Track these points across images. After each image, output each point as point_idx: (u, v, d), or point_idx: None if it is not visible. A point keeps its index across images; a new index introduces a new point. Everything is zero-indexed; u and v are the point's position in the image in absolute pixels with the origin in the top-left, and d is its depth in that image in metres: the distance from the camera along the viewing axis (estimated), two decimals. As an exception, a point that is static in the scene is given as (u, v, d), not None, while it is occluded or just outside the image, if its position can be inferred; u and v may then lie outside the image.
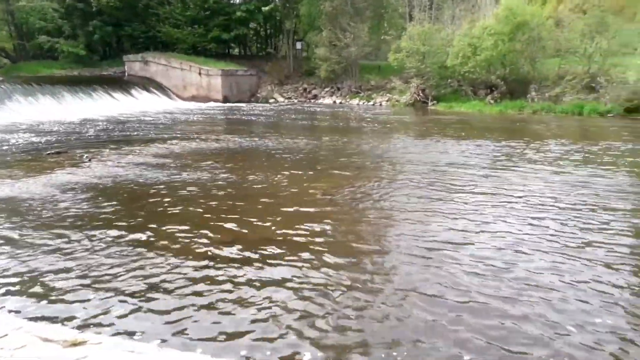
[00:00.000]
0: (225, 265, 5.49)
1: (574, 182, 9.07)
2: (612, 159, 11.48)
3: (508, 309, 4.28)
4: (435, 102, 30.10)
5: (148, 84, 35.23)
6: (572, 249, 5.66)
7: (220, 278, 5.15)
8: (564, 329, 3.97)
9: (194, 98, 35.72)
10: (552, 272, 5.03)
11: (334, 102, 35.57)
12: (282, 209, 7.70)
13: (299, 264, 5.52)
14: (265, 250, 5.94)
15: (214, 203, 8.09)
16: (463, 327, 4.00)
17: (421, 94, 30.82)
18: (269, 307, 4.51)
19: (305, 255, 5.78)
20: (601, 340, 3.83)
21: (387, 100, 33.45)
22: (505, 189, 8.60)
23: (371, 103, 33.83)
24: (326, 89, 37.67)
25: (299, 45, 42.62)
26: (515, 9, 27.40)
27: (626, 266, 5.19)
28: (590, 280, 4.83)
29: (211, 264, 5.51)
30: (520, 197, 7.99)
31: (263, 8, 39.36)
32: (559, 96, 25.61)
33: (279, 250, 5.93)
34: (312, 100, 36.89)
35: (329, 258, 5.66)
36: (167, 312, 4.42)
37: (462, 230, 6.33)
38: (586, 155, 12.16)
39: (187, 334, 4.08)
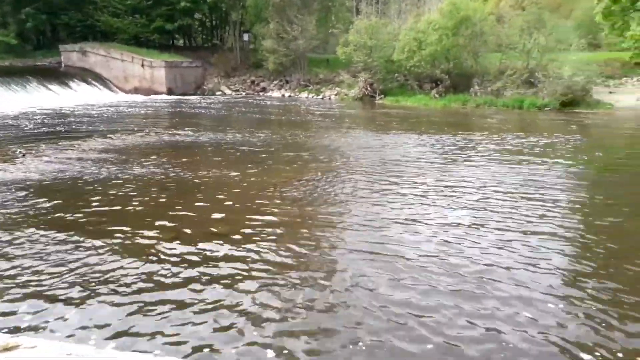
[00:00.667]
0: (167, 263, 5.30)
1: (515, 172, 9.33)
2: (547, 151, 11.94)
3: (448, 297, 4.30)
4: (382, 96, 30.38)
5: (87, 75, 33.54)
6: (509, 232, 5.78)
7: (162, 276, 4.95)
8: (493, 305, 4.02)
9: (136, 90, 34.34)
10: (489, 259, 5.09)
11: (283, 95, 35.24)
12: (230, 204, 7.52)
13: (245, 260, 5.38)
14: (211, 246, 5.77)
15: (156, 199, 7.82)
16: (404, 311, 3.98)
17: (369, 88, 31.03)
18: (212, 306, 4.37)
19: (252, 250, 5.65)
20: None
21: (336, 94, 33.47)
22: (450, 180, 8.74)
23: (320, 97, 33.75)
24: (275, 82, 37.24)
25: (246, 37, 41.83)
26: (459, 4, 27.99)
27: (561, 252, 5.34)
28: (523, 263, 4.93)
29: (153, 262, 5.32)
30: (464, 187, 8.12)
31: (208, -2, 38.26)
32: (500, 90, 26.48)
33: (224, 246, 5.77)
34: (261, 93, 36.38)
35: (276, 253, 5.56)
36: (106, 313, 4.24)
37: (408, 220, 6.34)
38: (524, 147, 12.58)
39: (127, 335, 3.93)
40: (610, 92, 26.65)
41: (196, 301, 4.47)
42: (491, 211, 7.06)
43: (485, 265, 5.19)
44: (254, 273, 5.05)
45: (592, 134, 16.47)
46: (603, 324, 4.03)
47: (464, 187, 8.45)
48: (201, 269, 5.15)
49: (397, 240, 5.93)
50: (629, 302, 4.38)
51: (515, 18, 30.18)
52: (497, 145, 13.04)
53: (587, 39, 29.22)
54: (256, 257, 5.47)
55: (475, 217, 6.80)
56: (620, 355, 3.64)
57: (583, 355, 3.62)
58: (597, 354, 3.65)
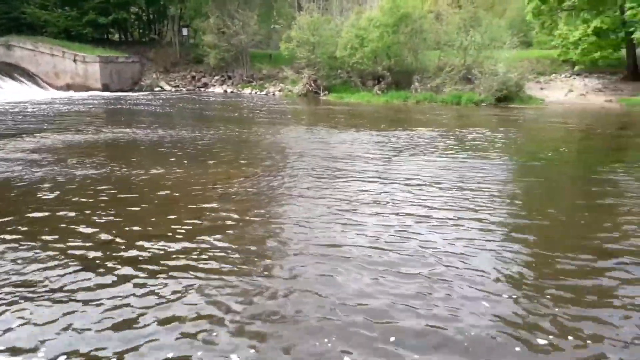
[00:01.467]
0: (102, 269, 5.01)
1: (454, 165, 9.55)
2: (484, 144, 12.34)
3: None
4: (326, 92, 30.46)
5: (13, 70, 31.41)
6: (449, 223, 5.88)
7: (97, 284, 4.68)
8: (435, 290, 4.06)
9: (69, 87, 32.57)
10: (433, 250, 5.15)
11: (225, 91, 34.58)
12: (169, 204, 7.24)
13: (185, 262, 5.17)
14: (150, 250, 5.50)
15: (91, 201, 7.41)
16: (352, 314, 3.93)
17: (313, 85, 31.01)
18: (151, 312, 4.15)
19: (192, 252, 5.44)
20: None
21: (279, 90, 33.23)
22: (394, 175, 8.81)
23: (264, 92, 33.39)
24: (216, 77, 36.48)
25: (185, 32, 40.64)
26: (399, 2, 28.47)
27: (497, 241, 5.48)
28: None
29: (87, 268, 5.02)
30: (408, 181, 8.20)
31: (143, -10, 36.87)
32: (439, 87, 27.20)
33: (163, 248, 5.53)
34: (202, 89, 35.52)
35: (216, 254, 5.36)
36: (37, 323, 4.00)
37: (351, 216, 6.31)
38: (463, 141, 12.94)
39: (59, 345, 3.70)
40: (542, 88, 28.04)
41: (132, 305, 4.27)
42: (431, 204, 7.15)
43: (430, 256, 5.23)
44: (193, 275, 4.85)
45: (525, 127, 17.21)
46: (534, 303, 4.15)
47: (408, 181, 8.54)
48: (138, 273, 4.91)
49: (341, 238, 5.86)
50: (554, 284, 4.53)
51: (453, 16, 31.09)
52: (438, 140, 13.33)
53: (519, 37, 30.56)
54: (195, 259, 5.26)
55: (417, 209, 6.87)
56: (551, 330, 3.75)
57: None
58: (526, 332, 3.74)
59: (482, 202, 7.40)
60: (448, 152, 11.64)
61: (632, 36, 24.57)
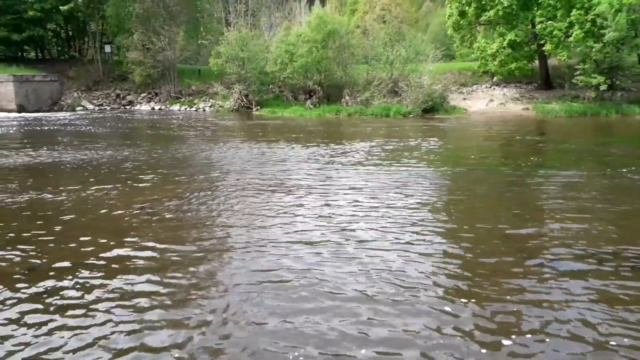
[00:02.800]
0: (21, 300, 4.64)
1: (387, 175, 9.63)
2: (414, 154, 12.62)
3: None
4: (259, 107, 30.26)
5: None
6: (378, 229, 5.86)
7: (16, 315, 4.33)
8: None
9: (-23, 109, 30.27)
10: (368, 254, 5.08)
11: (153, 108, 33.48)
12: (94, 228, 6.81)
13: (112, 289, 4.85)
14: (72, 276, 5.15)
15: (9, 227, 6.89)
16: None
17: (244, 100, 30.73)
18: (75, 343, 3.82)
19: (120, 278, 5.10)
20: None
21: (210, 106, 32.63)
22: (328, 186, 8.73)
23: (194, 109, 32.66)
24: (143, 95, 35.27)
25: (107, 49, 39.07)
26: (325, 18, 28.94)
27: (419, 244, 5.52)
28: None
29: (4, 300, 4.64)
30: (344, 193, 8.16)
31: (61, 7, 35.03)
32: (369, 100, 27.80)
33: (89, 275, 5.20)
34: (128, 107, 34.21)
35: (144, 280, 5.04)
36: None
37: (287, 234, 6.11)
38: (394, 151, 13.16)
39: None
40: (464, 99, 29.35)
41: (58, 337, 3.95)
42: (367, 214, 7.13)
43: (366, 271, 5.15)
44: (119, 305, 4.49)
45: (451, 136, 17.86)
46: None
47: (344, 193, 8.50)
48: (61, 302, 4.57)
49: (274, 260, 5.65)
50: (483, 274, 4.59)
51: (378, 31, 32.02)
52: (370, 151, 13.48)
53: (442, 50, 32.00)
54: (122, 286, 4.91)
55: (355, 219, 6.81)
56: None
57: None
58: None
59: (414, 210, 7.47)
60: (380, 162, 11.78)
61: (543, 48, 26.36)
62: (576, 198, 8.22)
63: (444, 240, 6.24)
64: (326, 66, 29.58)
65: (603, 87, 23.84)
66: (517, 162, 12.11)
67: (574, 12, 24.20)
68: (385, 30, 31.76)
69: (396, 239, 6.24)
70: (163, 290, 4.86)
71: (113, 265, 5.49)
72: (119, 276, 5.19)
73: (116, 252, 5.91)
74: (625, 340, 3.86)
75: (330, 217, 7.22)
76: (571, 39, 24.35)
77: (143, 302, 4.62)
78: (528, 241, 6.13)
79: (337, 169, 11.00)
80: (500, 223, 7.00)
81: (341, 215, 7.32)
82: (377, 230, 6.59)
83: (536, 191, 8.83)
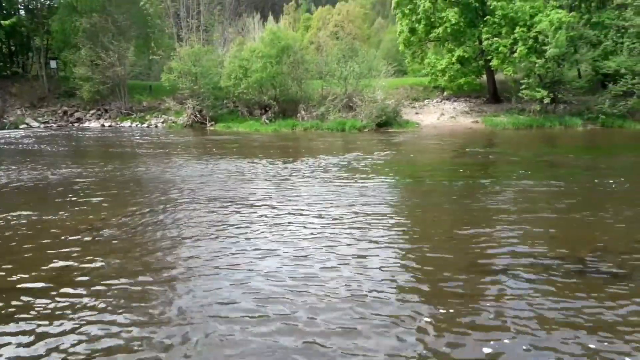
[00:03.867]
0: None
1: (344, 189, 9.60)
2: (369, 167, 12.69)
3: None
4: (213, 123, 29.83)
5: None
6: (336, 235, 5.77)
7: None
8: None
9: None
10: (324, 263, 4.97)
11: (103, 125, 32.37)
12: (38, 251, 6.40)
13: (61, 318, 4.52)
14: (17, 303, 4.84)
15: None
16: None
17: (198, 115, 30.24)
18: None
19: (67, 307, 4.76)
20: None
21: (163, 122, 31.90)
22: (285, 201, 8.59)
23: (146, 125, 31.82)
24: (92, 112, 34.03)
25: (53, 64, 37.57)
26: (279, 34, 29.04)
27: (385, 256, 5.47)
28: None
29: None
30: (301, 208, 8.03)
31: (3, 22, 33.55)
32: (324, 114, 27.95)
33: (35, 302, 4.86)
34: (76, 124, 32.89)
35: (92, 307, 4.71)
36: None
37: (243, 253, 5.92)
38: (350, 165, 13.18)
39: None
40: (417, 113, 30.04)
41: None
42: (324, 229, 7.03)
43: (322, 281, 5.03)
44: (68, 336, 4.18)
45: (405, 150, 18.12)
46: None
47: (301, 208, 8.38)
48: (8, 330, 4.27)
49: (231, 281, 5.44)
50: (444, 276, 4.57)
51: (332, 47, 32.40)
52: (327, 165, 13.45)
53: (394, 66, 32.76)
54: (72, 314, 4.58)
55: (312, 240, 6.68)
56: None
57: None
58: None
59: (369, 222, 7.44)
60: (336, 176, 11.75)
61: (490, 64, 27.42)
62: (524, 206, 8.45)
63: (396, 252, 6.22)
64: (281, 81, 29.60)
65: (546, 101, 25.00)
66: (467, 173, 12.39)
67: (517, 29, 25.37)
68: (339, 46, 32.20)
69: (344, 254, 6.17)
70: (108, 312, 4.58)
71: (56, 287, 5.14)
72: (61, 299, 4.86)
73: (61, 273, 5.57)
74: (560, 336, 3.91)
75: (283, 232, 7.08)
76: (516, 54, 25.48)
77: (86, 328, 4.32)
78: (477, 249, 6.20)
79: (293, 183, 10.88)
80: (451, 232, 7.07)
81: (295, 229, 7.20)
82: (329, 241, 6.50)
83: (486, 201, 9.02)
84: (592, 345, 3.94)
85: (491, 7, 26.34)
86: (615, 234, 6.90)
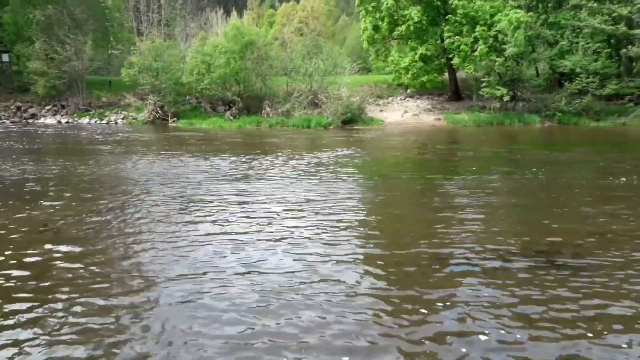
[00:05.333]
0: None
1: (310, 186, 9.54)
2: (336, 164, 12.67)
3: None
4: (175, 119, 29.24)
5: None
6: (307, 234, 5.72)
7: None
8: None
9: None
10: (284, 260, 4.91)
11: (59, 121, 31.19)
12: None
13: (21, 325, 4.29)
14: None
15: None
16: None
17: (160, 111, 29.56)
18: None
19: (23, 311, 4.53)
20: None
21: (123, 118, 31.03)
22: (253, 201, 8.44)
23: (105, 121, 30.87)
24: (47, 107, 32.76)
25: (5, 58, 35.91)
26: (242, 29, 28.68)
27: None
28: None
29: None
30: (269, 206, 7.90)
31: (-50, 11, 31.97)
32: (289, 111, 27.81)
33: None
34: (31, 120, 31.59)
35: (55, 310, 4.47)
36: None
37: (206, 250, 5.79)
38: (316, 162, 13.12)
39: None
40: (381, 110, 30.27)
41: None
42: (290, 224, 6.96)
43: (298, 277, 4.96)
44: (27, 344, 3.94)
45: (369, 147, 18.23)
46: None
47: (267, 205, 8.27)
48: None
49: (193, 283, 5.29)
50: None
51: (296, 44, 32.25)
52: (293, 162, 13.36)
53: (359, 63, 32.89)
54: (29, 319, 4.35)
55: (281, 234, 6.60)
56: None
57: None
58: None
59: (335, 220, 7.41)
60: (303, 174, 11.68)
61: (452, 62, 27.91)
62: (484, 201, 8.62)
63: (360, 247, 6.22)
64: (245, 77, 29.28)
65: (506, 98, 25.65)
66: (430, 169, 12.57)
67: (478, 28, 25.91)
68: (303, 43, 32.09)
69: (312, 252, 6.13)
70: (68, 315, 4.38)
71: (8, 288, 4.88)
72: (14, 302, 4.62)
73: (15, 273, 5.32)
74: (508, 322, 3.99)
75: (247, 231, 6.97)
76: (476, 53, 26.03)
77: (35, 330, 4.12)
78: (437, 244, 6.26)
79: (256, 182, 10.75)
80: (414, 227, 7.14)
81: (258, 227, 7.10)
82: (297, 239, 6.45)
83: (447, 196, 9.15)
84: (548, 334, 4.02)
85: (453, 6, 26.80)
86: (571, 226, 7.11)
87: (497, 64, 25.47)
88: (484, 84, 26.27)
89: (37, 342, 4.04)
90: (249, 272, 5.46)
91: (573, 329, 4.16)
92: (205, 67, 28.22)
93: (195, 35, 34.22)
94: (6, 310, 4.61)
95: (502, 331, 4.14)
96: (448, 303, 4.65)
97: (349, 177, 11.33)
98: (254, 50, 28.73)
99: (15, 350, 3.93)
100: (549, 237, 6.61)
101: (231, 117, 28.20)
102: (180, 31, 34.65)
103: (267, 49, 29.83)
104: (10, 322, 4.39)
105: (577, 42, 26.11)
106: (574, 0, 25.88)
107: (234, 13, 66.00)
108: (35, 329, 4.25)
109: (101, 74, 36.88)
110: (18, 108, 32.67)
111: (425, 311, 4.52)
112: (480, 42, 25.85)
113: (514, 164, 13.50)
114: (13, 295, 4.94)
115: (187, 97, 30.83)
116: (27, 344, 4.01)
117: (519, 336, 4.05)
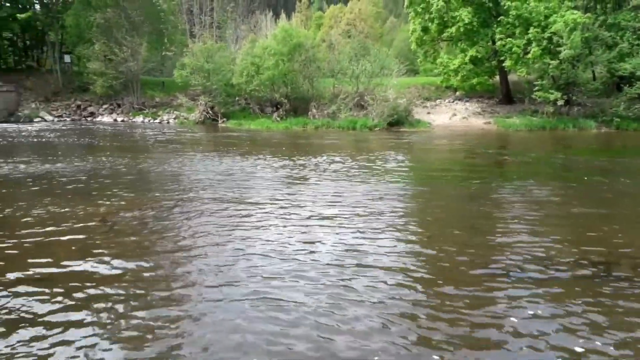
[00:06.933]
0: None
1: (356, 188, 9.59)
2: (381, 167, 12.66)
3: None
4: (225, 119, 29.95)
5: None
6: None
7: None
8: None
9: None
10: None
11: (115, 120, 32.65)
12: (52, 241, 6.54)
13: (73, 310, 4.59)
14: (33, 294, 4.93)
15: None
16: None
17: (210, 112, 30.38)
18: None
19: (79, 298, 4.85)
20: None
21: (175, 118, 32.09)
22: (296, 200, 8.61)
23: (157, 120, 32.04)
24: (105, 106, 34.38)
25: (67, 59, 37.93)
26: (291, 31, 29.04)
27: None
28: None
29: None
30: (314, 206, 8.06)
31: (18, 16, 33.98)
32: (335, 113, 27.94)
33: (49, 294, 4.93)
34: (89, 119, 33.23)
35: (108, 300, 4.79)
36: None
37: (261, 247, 5.95)
38: (363, 164, 13.15)
39: None
40: (428, 113, 29.91)
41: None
42: (339, 228, 7.04)
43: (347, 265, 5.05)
44: (75, 321, 4.28)
45: (417, 150, 18.07)
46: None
47: (314, 206, 8.40)
48: (21, 323, 4.34)
49: (250, 276, 5.47)
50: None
51: (344, 45, 32.33)
52: (339, 164, 13.45)
53: (406, 65, 32.61)
54: (81, 300, 4.67)
55: (327, 228, 6.71)
56: None
57: None
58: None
59: (385, 224, 7.44)
60: (350, 175, 11.74)
61: (503, 64, 27.22)
62: (537, 209, 8.39)
63: (406, 254, 6.22)
64: (293, 79, 29.63)
65: (560, 102, 24.78)
66: (480, 174, 12.33)
67: (531, 30, 25.15)
68: (351, 45, 32.13)
69: (355, 253, 6.17)
70: (125, 304, 4.64)
71: (72, 278, 5.22)
72: (79, 291, 4.94)
73: (76, 265, 5.67)
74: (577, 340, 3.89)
75: (296, 232, 7.10)
76: (529, 55, 25.27)
77: (103, 316, 4.39)
78: (489, 251, 6.17)
79: (304, 183, 10.90)
80: (462, 235, 7.05)
81: (307, 229, 7.22)
82: (342, 243, 6.52)
83: (498, 203, 8.97)
84: (606, 350, 3.92)
85: (505, 7, 26.15)
86: (631, 237, 6.83)
87: (551, 66, 24.65)
88: (536, 88, 25.50)
89: (99, 326, 4.30)
90: (299, 273, 5.58)
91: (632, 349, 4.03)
92: (254, 68, 28.77)
93: (245, 38, 34.91)
94: (65, 301, 4.92)
95: (558, 343, 4.06)
96: (500, 314, 4.58)
97: (396, 180, 11.29)
98: (302, 52, 29.03)
99: (77, 343, 4.19)
100: (606, 247, 6.38)
101: (278, 119, 28.60)
102: (231, 33, 35.44)
103: (314, 51, 30.06)
104: (74, 311, 4.69)
105: (639, 45, 24.90)
106: (635, 1, 24.70)
107: (283, 15, 66.87)
108: (101, 314, 4.52)
109: (154, 75, 38.24)
110: (78, 106, 34.40)
111: (477, 321, 4.48)
112: (534, 44, 25.08)
113: (569, 171, 13.07)
114: (77, 283, 5.26)
115: (237, 98, 31.53)
116: (87, 330, 4.28)
117: (577, 349, 3.96)
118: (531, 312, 4.56)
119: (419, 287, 5.18)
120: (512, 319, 4.45)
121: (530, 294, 4.95)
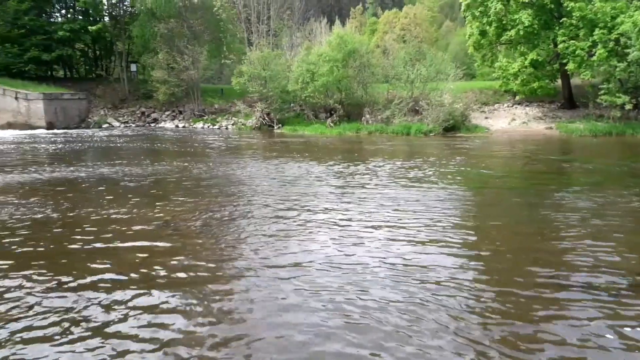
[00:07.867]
0: (42, 318, 4.71)
1: (412, 194, 9.64)
2: (437, 173, 12.58)
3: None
4: (280, 125, 30.61)
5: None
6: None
7: (37, 334, 4.28)
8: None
9: (10, 126, 31.25)
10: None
11: (177, 126, 34.14)
12: (118, 243, 6.98)
13: (147, 310, 4.90)
14: (101, 294, 5.23)
15: (34, 242, 7.07)
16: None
17: (266, 118, 31.14)
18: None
19: (147, 295, 5.21)
20: None
21: (232, 124, 33.14)
22: (353, 206, 8.78)
23: (216, 127, 33.20)
24: (167, 113, 36.02)
25: (133, 68, 40.12)
26: (346, 37, 29.31)
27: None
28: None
29: (27, 317, 4.70)
30: (371, 212, 8.18)
31: (90, 28, 36.30)
32: (389, 118, 27.89)
33: (119, 293, 5.28)
34: (152, 125, 34.94)
35: (175, 298, 5.12)
36: None
37: (317, 251, 6.19)
38: (418, 170, 13.12)
39: None
40: (486, 117, 29.24)
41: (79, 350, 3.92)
42: (395, 236, 7.16)
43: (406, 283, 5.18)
44: (140, 319, 4.60)
45: (474, 155, 17.74)
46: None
47: (371, 212, 8.54)
48: (86, 324, 4.60)
49: (312, 277, 5.71)
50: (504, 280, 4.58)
51: (399, 51, 32.24)
52: (394, 170, 13.51)
53: (462, 69, 32.04)
54: (157, 304, 5.00)
55: (387, 237, 6.85)
56: None
57: None
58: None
59: (442, 230, 7.47)
60: (406, 182, 11.77)
61: (566, 67, 26.21)
62: (604, 220, 8.11)
63: (470, 262, 6.23)
64: (346, 85, 29.87)
65: (628, 107, 23.56)
66: (541, 182, 12.01)
67: (597, 31, 24.07)
68: (406, 50, 31.99)
69: (407, 265, 6.24)
70: (190, 305, 4.97)
71: (143, 280, 5.63)
72: (152, 288, 5.32)
73: (141, 265, 6.09)
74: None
75: (357, 242, 7.25)
76: (594, 58, 24.19)
77: (165, 318, 4.73)
78: (554, 262, 6.07)
79: (361, 189, 11.04)
80: (528, 246, 6.96)
81: (369, 240, 7.36)
82: (407, 254, 6.61)
83: (561, 212, 8.74)
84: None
85: (568, 9, 25.17)
86: None
87: (618, 69, 23.48)
88: (602, 91, 24.35)
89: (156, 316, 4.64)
90: (363, 288, 5.73)
91: None
92: (309, 75, 29.23)
93: (301, 45, 35.57)
94: (133, 292, 5.31)
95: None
96: (562, 331, 4.53)
97: (453, 187, 11.21)
98: (357, 58, 29.22)
99: (133, 332, 4.53)
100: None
101: (332, 124, 28.90)
102: (287, 41, 36.19)
103: (369, 57, 30.17)
104: (138, 298, 5.06)
105: None
106: None
107: (338, 22, 67.38)
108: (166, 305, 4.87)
109: (213, 83, 39.68)
110: (142, 113, 36.23)
111: (572, 342, 4.47)
112: (599, 46, 23.97)
113: (636, 179, 12.48)
114: (146, 281, 5.66)
115: (292, 105, 32.14)
116: (145, 321, 4.62)
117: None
118: (593, 326, 4.49)
119: (477, 295, 5.20)
120: (581, 335, 4.40)
121: (591, 306, 4.86)
